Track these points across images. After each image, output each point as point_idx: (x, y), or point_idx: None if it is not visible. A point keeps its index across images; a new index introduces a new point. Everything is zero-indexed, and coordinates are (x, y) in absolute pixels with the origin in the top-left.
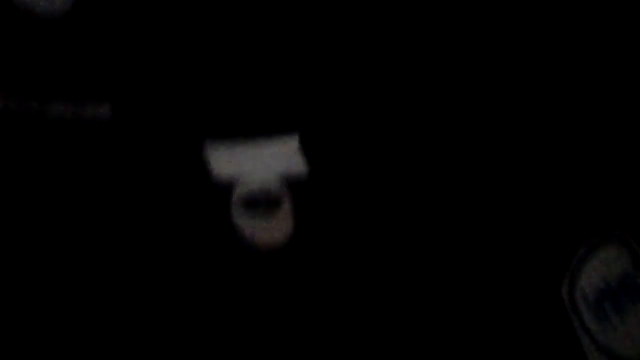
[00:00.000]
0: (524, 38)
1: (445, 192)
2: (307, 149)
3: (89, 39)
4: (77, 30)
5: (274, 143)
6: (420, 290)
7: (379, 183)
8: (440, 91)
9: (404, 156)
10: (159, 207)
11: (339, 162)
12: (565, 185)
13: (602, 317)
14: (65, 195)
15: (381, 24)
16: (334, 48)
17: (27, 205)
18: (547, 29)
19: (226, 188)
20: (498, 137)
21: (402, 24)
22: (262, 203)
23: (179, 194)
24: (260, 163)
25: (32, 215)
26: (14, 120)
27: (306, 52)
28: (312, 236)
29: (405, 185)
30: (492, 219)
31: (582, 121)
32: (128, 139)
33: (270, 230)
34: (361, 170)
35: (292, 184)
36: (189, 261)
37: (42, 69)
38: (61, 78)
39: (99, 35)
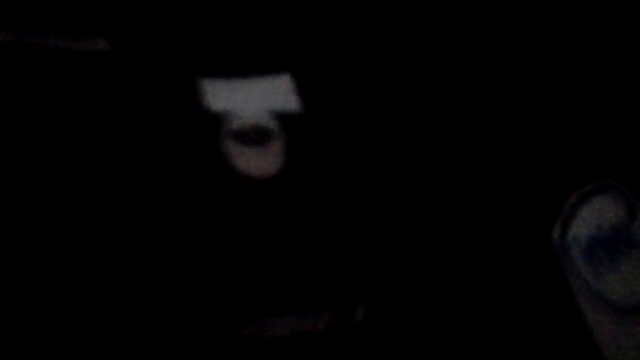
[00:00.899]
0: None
1: (439, 132)
2: (300, 87)
3: None
4: None
5: (267, 80)
6: (407, 225)
7: (368, 120)
8: (429, 45)
9: (395, 95)
10: (152, 138)
11: (331, 99)
12: (560, 132)
13: (595, 264)
14: (61, 126)
15: None
16: None
17: (23, 134)
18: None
19: (218, 120)
20: (492, 91)
21: None
22: (252, 136)
23: (171, 126)
24: (252, 98)
25: (28, 145)
26: (11, 52)
27: None
28: (302, 168)
29: (397, 123)
30: (485, 163)
31: (579, 73)
32: (123, 71)
33: (260, 162)
34: (352, 107)
35: (284, 119)
36: (181, 189)
37: (40, 3)
38: (59, 12)
39: None
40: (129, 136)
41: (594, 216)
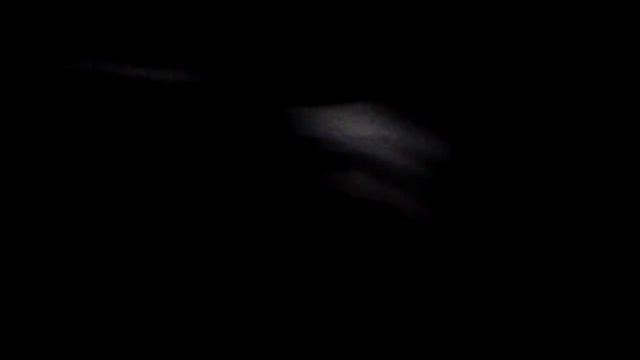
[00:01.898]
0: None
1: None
2: (385, 114)
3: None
4: None
5: (353, 107)
6: None
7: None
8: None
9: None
10: (243, 168)
11: (423, 126)
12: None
13: None
14: (148, 156)
15: None
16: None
17: (104, 163)
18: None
19: (305, 147)
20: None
21: None
22: (337, 161)
23: (258, 151)
24: (337, 125)
25: (108, 175)
26: (90, 80)
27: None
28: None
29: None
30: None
31: None
32: (207, 102)
33: (345, 188)
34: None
35: (368, 145)
36: (268, 213)
37: (121, 32)
38: (138, 41)
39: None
40: (218, 167)
41: None
